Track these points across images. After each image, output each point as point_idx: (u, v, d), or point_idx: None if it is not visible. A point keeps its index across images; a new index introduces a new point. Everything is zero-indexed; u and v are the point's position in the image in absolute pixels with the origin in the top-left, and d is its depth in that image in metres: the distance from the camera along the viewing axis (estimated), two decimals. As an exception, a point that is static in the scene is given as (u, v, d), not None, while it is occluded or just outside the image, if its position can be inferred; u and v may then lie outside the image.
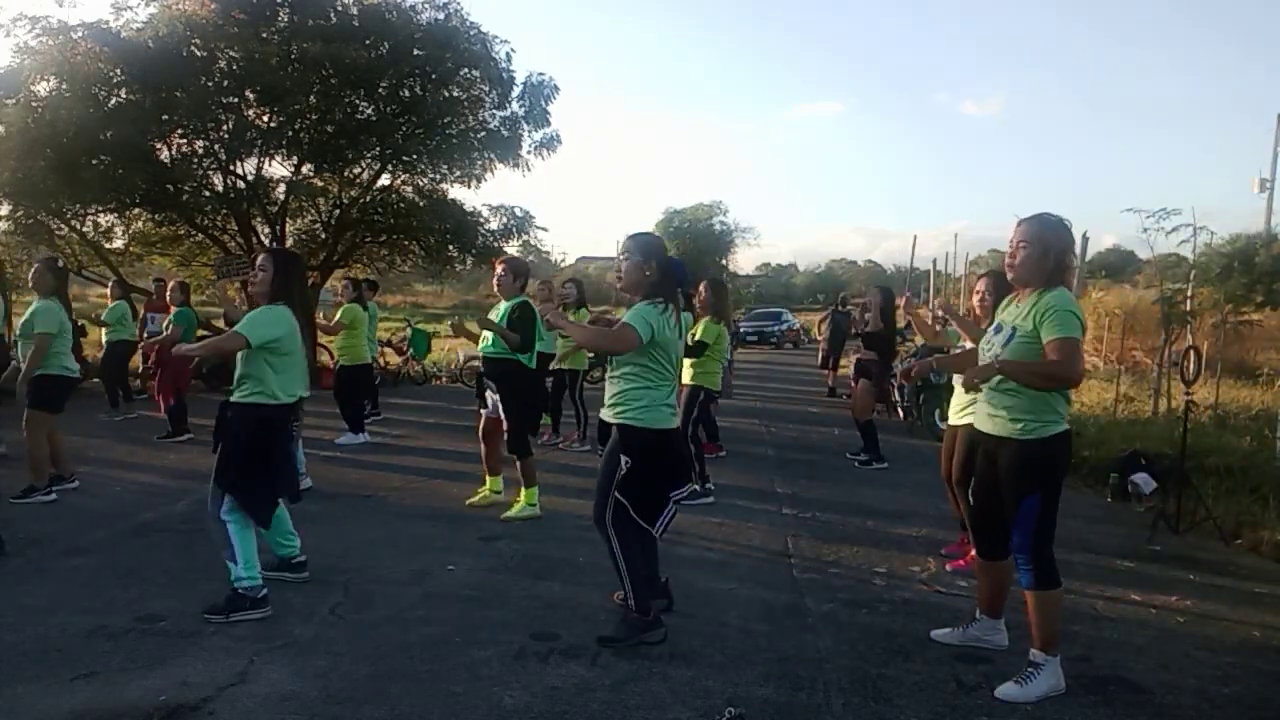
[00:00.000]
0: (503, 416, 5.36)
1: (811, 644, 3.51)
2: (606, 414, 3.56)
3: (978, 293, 4.53)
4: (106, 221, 14.94)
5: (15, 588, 3.95)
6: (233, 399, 3.79)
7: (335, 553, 4.15)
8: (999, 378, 3.07)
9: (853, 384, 8.25)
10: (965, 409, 4.18)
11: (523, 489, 5.44)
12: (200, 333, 11.81)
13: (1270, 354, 13.26)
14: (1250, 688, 3.21)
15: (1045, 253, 3.05)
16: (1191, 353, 6.13)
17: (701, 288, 6.41)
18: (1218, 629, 3.79)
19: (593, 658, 3.31)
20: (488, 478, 5.71)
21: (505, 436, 5.43)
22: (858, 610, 3.93)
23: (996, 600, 3.44)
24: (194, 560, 4.42)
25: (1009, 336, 3.08)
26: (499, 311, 5.32)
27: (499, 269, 5.46)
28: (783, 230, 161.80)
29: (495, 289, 5.43)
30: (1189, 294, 9.08)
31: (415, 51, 13.67)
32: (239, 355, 3.78)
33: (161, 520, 5.24)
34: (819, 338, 14.50)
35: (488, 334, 5.29)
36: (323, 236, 15.13)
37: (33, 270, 6.02)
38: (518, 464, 5.40)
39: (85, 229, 14.34)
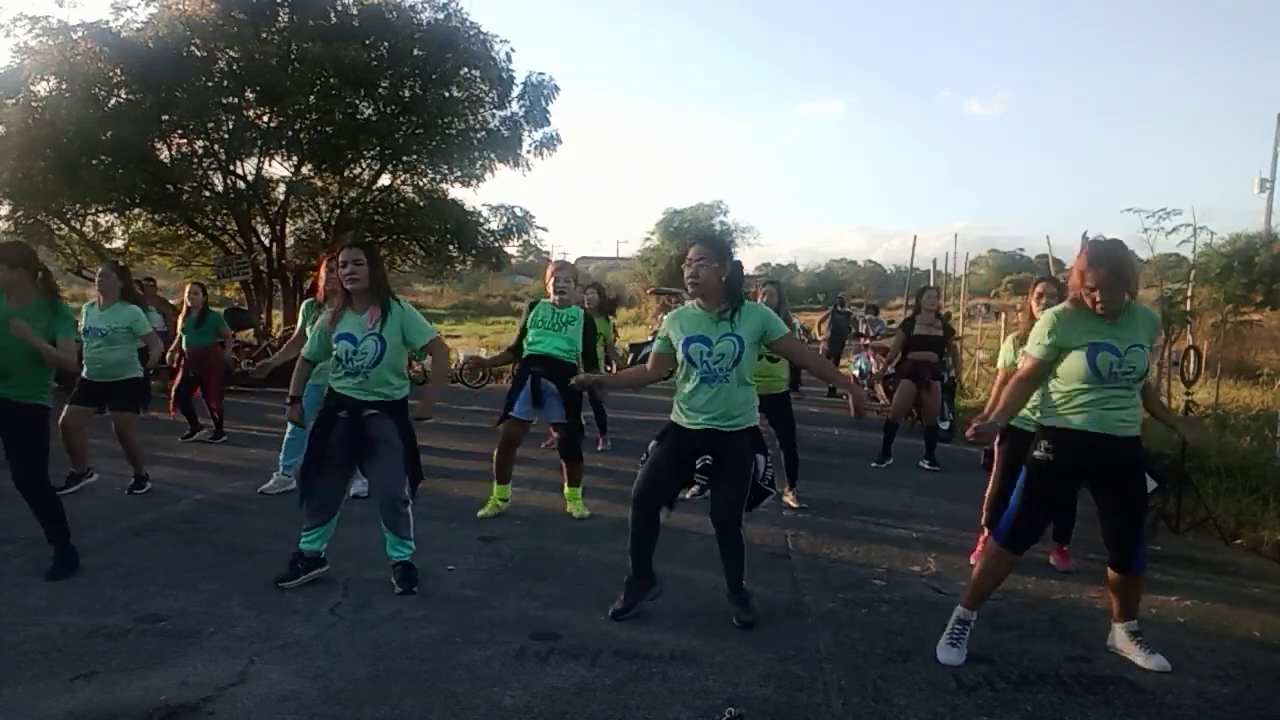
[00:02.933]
0: (556, 421, 5.27)
1: (811, 644, 3.51)
2: (725, 424, 3.65)
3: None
4: (106, 221, 14.97)
5: (15, 588, 3.94)
6: (396, 398, 4.05)
7: (335, 553, 4.15)
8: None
9: (886, 384, 8.03)
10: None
11: (569, 488, 5.46)
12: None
13: (1270, 354, 13.25)
14: (1250, 688, 3.21)
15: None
16: (1191, 353, 6.13)
17: (762, 291, 6.21)
18: (1218, 629, 3.79)
19: (593, 658, 3.31)
20: (496, 486, 5.44)
21: (557, 440, 5.37)
22: (858, 610, 3.93)
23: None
24: (194, 560, 4.43)
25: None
26: (564, 315, 5.24)
27: (561, 279, 5.27)
28: (783, 230, 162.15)
29: (556, 300, 5.24)
30: (1189, 294, 9.08)
31: (415, 51, 13.69)
32: (403, 356, 4.10)
33: (161, 520, 5.24)
34: (819, 338, 14.48)
35: (551, 335, 5.21)
36: (323, 236, 15.13)
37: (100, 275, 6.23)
38: (569, 466, 5.40)
39: (85, 229, 14.36)
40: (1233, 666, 3.38)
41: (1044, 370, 3.33)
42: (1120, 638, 3.46)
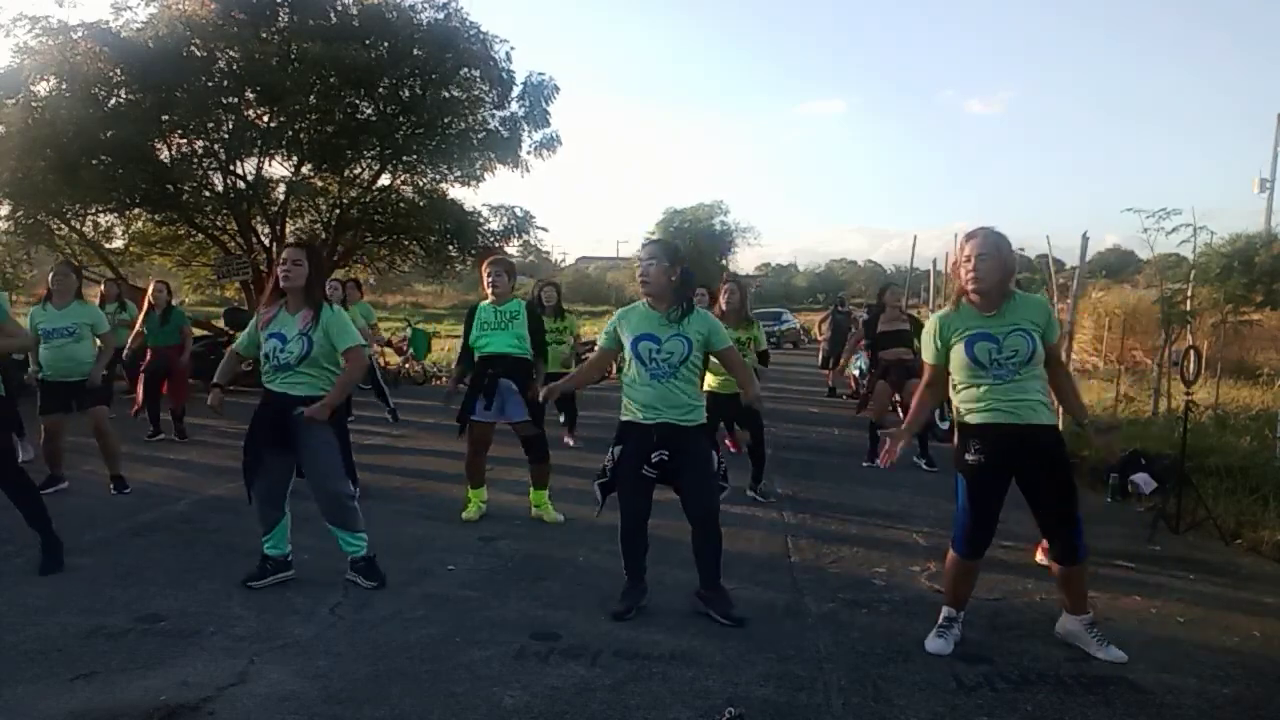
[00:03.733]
0: (519, 419, 5.19)
1: (811, 644, 3.51)
2: (677, 416, 3.72)
3: None
4: (106, 221, 14.97)
5: (15, 588, 3.95)
6: (326, 391, 3.96)
7: (335, 553, 4.14)
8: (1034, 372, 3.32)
9: (869, 382, 7.99)
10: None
11: (535, 490, 5.39)
12: (200, 332, 11.84)
13: (1270, 354, 13.25)
14: (1250, 688, 3.21)
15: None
16: (1191, 353, 6.13)
17: (724, 289, 6.24)
18: (1218, 629, 3.79)
19: (593, 657, 3.31)
20: (471, 490, 5.39)
21: (524, 439, 5.26)
22: (858, 610, 3.93)
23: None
24: (194, 560, 4.43)
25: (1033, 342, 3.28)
26: (506, 312, 5.19)
27: (493, 271, 5.25)
28: (784, 230, 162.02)
29: (491, 291, 5.22)
30: (1189, 294, 9.08)
31: (415, 51, 13.69)
32: (326, 355, 3.99)
33: (161, 520, 5.24)
34: (819, 338, 14.51)
35: (498, 333, 5.15)
36: (323, 236, 15.14)
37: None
38: (535, 466, 5.33)
39: (85, 229, 14.36)
40: (1233, 666, 3.38)
41: (940, 373, 3.45)
42: (1070, 628, 3.51)
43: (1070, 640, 3.50)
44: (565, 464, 6.98)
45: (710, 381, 5.72)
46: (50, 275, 6.08)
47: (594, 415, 8.74)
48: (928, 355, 3.47)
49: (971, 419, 3.36)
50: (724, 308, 6.09)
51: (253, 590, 3.95)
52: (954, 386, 3.45)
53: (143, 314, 8.19)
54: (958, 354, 3.34)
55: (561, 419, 8.11)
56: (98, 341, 5.89)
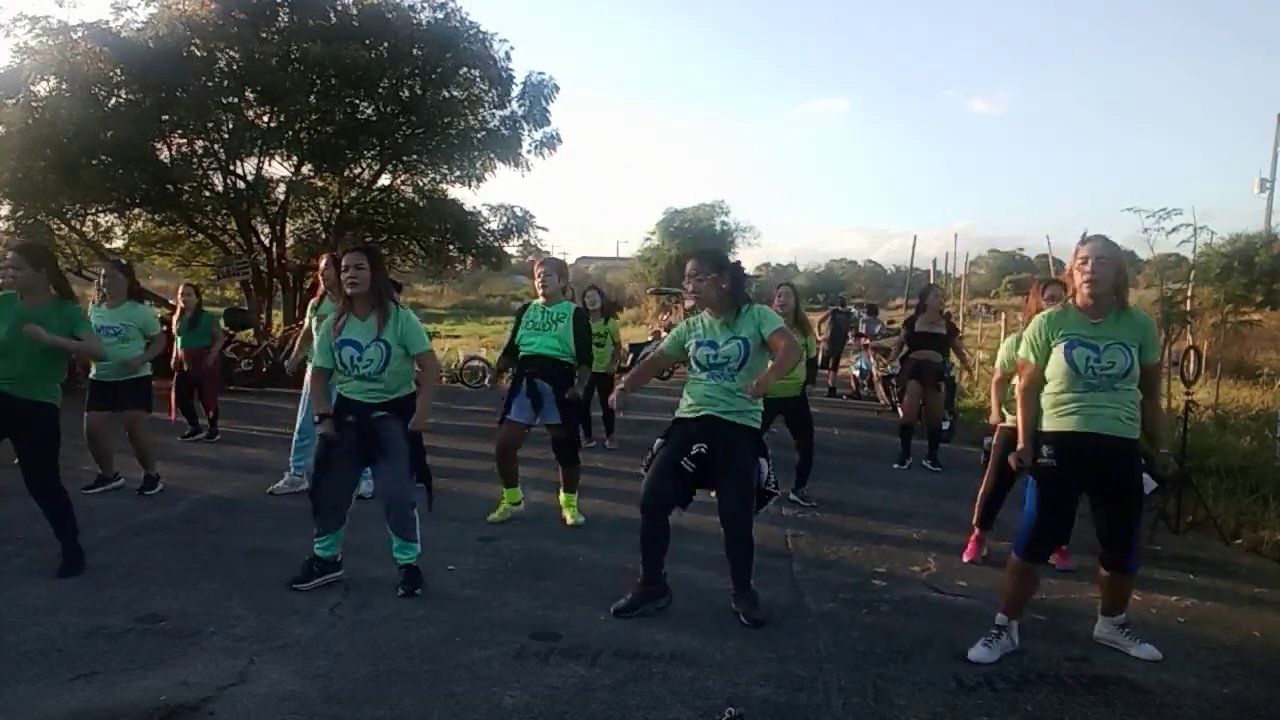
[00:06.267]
0: (552, 423, 5.15)
1: (811, 644, 3.51)
2: (723, 411, 3.74)
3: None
4: (106, 221, 14.96)
5: (15, 588, 3.94)
6: (402, 395, 4.01)
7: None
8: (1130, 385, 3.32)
9: (886, 384, 7.97)
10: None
11: (565, 493, 5.36)
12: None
13: (1270, 354, 13.25)
14: (1250, 688, 3.21)
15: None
16: (1191, 353, 6.13)
17: (778, 293, 6.23)
18: (1218, 629, 3.79)
19: (593, 657, 3.31)
20: (506, 490, 5.34)
21: (554, 441, 5.23)
22: (858, 610, 3.93)
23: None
24: (194, 560, 4.43)
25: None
26: (553, 314, 5.15)
27: (545, 270, 5.21)
28: (784, 230, 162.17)
29: (541, 291, 5.18)
30: (1189, 294, 9.08)
31: (415, 51, 13.68)
32: (402, 359, 4.00)
33: (161, 520, 5.24)
34: (819, 338, 14.48)
35: (541, 334, 5.13)
36: (323, 236, 15.13)
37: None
38: (565, 469, 5.30)
39: (85, 229, 14.35)
40: (1233, 666, 3.38)
41: (1039, 370, 3.41)
42: (1107, 630, 3.53)
43: (1106, 642, 3.51)
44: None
45: None
46: (102, 276, 6.17)
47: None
48: (1028, 352, 3.42)
49: (1051, 423, 3.34)
50: (780, 311, 6.07)
51: (253, 590, 3.95)
52: (1042, 386, 3.41)
53: (175, 317, 8.43)
54: (1056, 357, 3.32)
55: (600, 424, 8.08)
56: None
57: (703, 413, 3.75)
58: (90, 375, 5.88)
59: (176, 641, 3.38)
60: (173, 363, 8.21)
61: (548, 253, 17.96)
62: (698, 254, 4.01)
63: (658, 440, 3.90)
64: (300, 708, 2.86)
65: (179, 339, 8.18)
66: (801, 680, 3.16)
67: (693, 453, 3.72)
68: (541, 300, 5.22)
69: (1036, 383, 3.42)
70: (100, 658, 3.21)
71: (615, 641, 3.47)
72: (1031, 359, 3.42)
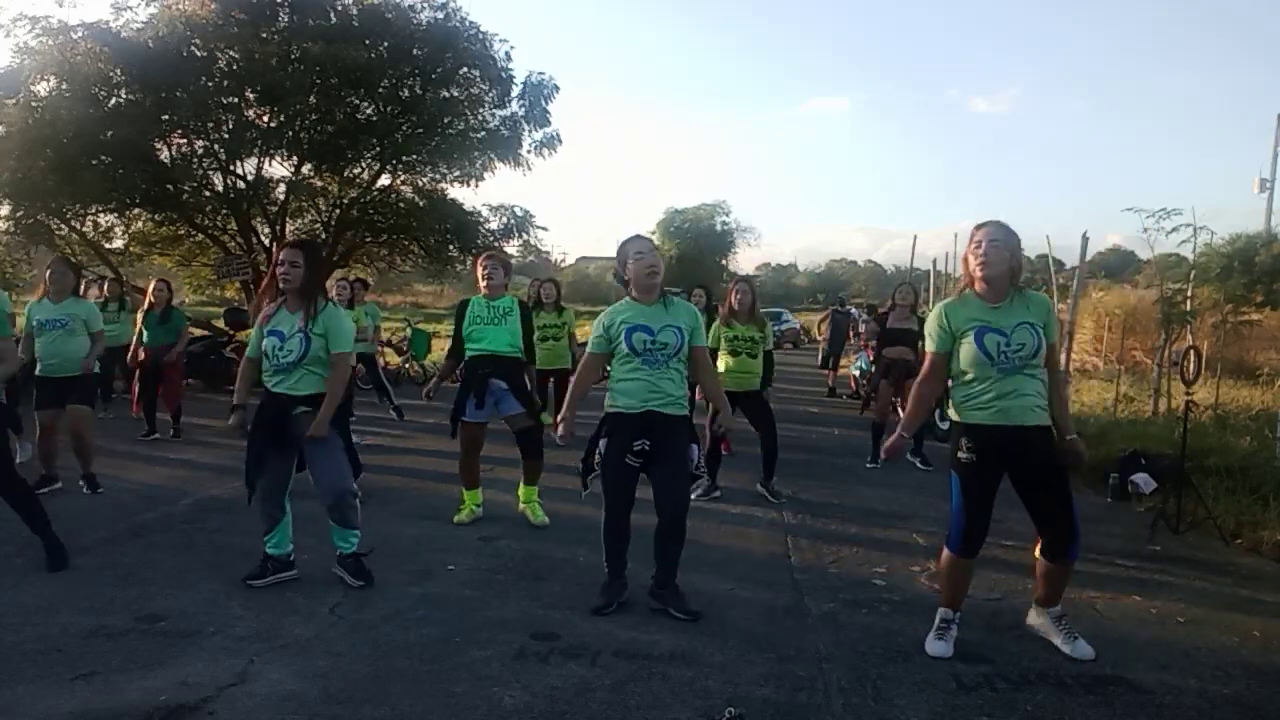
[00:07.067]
0: (513, 413, 5.13)
1: (811, 644, 3.51)
2: (662, 405, 3.77)
3: None
4: (106, 221, 14.98)
5: (15, 588, 3.94)
6: (322, 392, 3.99)
7: (334, 553, 4.15)
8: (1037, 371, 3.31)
9: (869, 382, 7.98)
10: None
11: (525, 487, 5.33)
12: (199, 332, 11.84)
13: (1270, 354, 13.25)
14: (1250, 688, 3.21)
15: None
16: (1191, 353, 6.13)
17: (739, 291, 6.20)
18: (1218, 629, 3.79)
19: (593, 658, 3.31)
20: (467, 492, 5.33)
21: (518, 434, 5.19)
22: (858, 610, 3.93)
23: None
24: (194, 560, 4.43)
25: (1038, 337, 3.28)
26: (499, 307, 5.13)
27: (490, 265, 5.21)
28: (785, 229, 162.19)
29: (486, 285, 5.17)
30: (1189, 294, 9.08)
31: (415, 51, 13.70)
32: (322, 352, 4.00)
33: (161, 520, 5.24)
34: (819, 338, 14.51)
35: (491, 329, 5.10)
36: (323, 236, 15.15)
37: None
38: (528, 462, 5.27)
39: (85, 229, 14.37)
40: (1233, 666, 3.38)
41: (942, 363, 3.41)
42: (1041, 620, 3.54)
43: (1039, 632, 3.52)
44: (564, 463, 6.94)
45: (723, 379, 5.75)
46: (48, 272, 6.04)
47: (585, 415, 8.72)
48: (933, 343, 3.42)
49: (967, 417, 3.35)
50: (735, 306, 6.11)
51: (253, 590, 3.95)
52: (954, 381, 3.43)
53: (142, 312, 8.18)
54: (967, 347, 3.32)
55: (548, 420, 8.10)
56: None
57: (645, 409, 3.76)
58: (36, 373, 5.78)
59: (176, 641, 3.38)
60: (129, 357, 8.06)
61: (546, 253, 17.91)
62: (639, 237, 4.02)
63: (602, 441, 3.87)
64: (300, 708, 2.86)
65: (145, 334, 7.98)
66: (801, 680, 3.16)
67: (635, 449, 3.78)
68: (485, 294, 5.19)
69: (939, 374, 3.44)
70: (100, 658, 3.21)
71: (615, 641, 3.47)
72: (933, 347, 3.41)
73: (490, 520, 5.30)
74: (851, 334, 14.64)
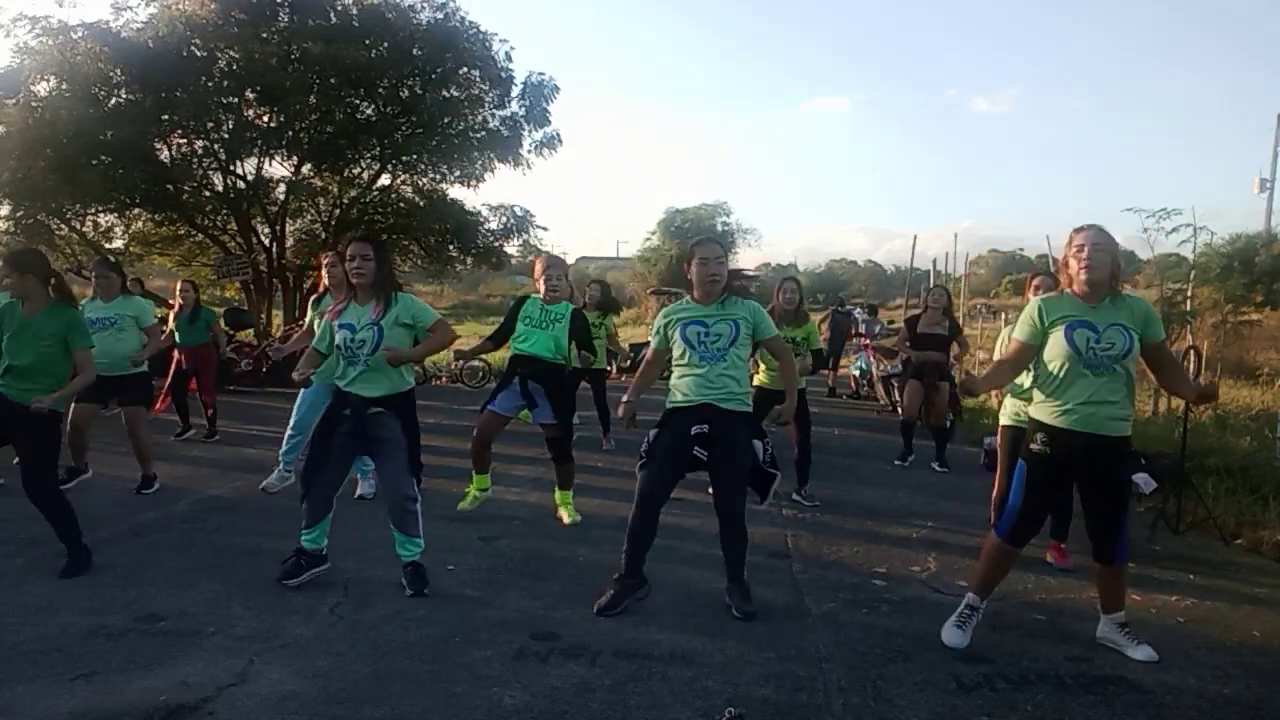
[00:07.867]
0: (545, 421, 5.14)
1: (811, 644, 3.51)
2: (720, 399, 3.81)
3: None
4: (106, 221, 14.97)
5: (15, 588, 3.94)
6: (402, 390, 4.05)
7: (335, 553, 4.15)
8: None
9: (886, 384, 7.97)
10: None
11: (560, 490, 5.37)
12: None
13: (1270, 354, 13.25)
14: (1250, 688, 3.21)
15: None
16: (1191, 353, 6.13)
17: (785, 290, 6.18)
18: (1218, 629, 3.79)
19: (593, 658, 3.31)
20: (475, 476, 5.36)
21: (549, 441, 5.21)
22: (858, 610, 3.93)
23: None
24: (194, 560, 4.43)
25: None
26: (553, 313, 5.12)
27: (554, 274, 5.16)
28: (786, 229, 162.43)
29: (548, 291, 5.12)
30: (1189, 294, 9.09)
31: (415, 51, 13.69)
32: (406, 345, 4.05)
33: (161, 520, 5.24)
34: (820, 337, 14.46)
35: (539, 333, 5.11)
36: (323, 236, 15.14)
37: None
38: (559, 468, 5.29)
39: (85, 229, 14.36)
40: (1233, 666, 3.38)
41: (1028, 354, 3.42)
42: (1108, 629, 3.54)
43: (1107, 643, 3.51)
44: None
45: (760, 377, 5.78)
46: (94, 278, 6.16)
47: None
48: (1023, 333, 3.41)
49: (1047, 418, 3.34)
50: (781, 305, 6.11)
51: (253, 590, 3.95)
52: (1037, 377, 3.43)
53: (172, 314, 8.38)
54: (1056, 340, 3.31)
55: (586, 419, 8.10)
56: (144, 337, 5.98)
57: (702, 401, 3.82)
58: None
59: (176, 641, 3.38)
60: (168, 359, 8.17)
61: (549, 252, 17.93)
62: (709, 239, 4.13)
63: (653, 431, 3.94)
64: (300, 708, 2.86)
65: (176, 335, 8.14)
66: (801, 680, 3.16)
67: (693, 433, 3.78)
68: (544, 298, 5.19)
69: (1020, 360, 3.45)
70: (100, 658, 3.21)
71: (615, 641, 3.47)
72: (1022, 337, 3.42)
73: (490, 520, 5.30)
74: (851, 334, 14.64)
